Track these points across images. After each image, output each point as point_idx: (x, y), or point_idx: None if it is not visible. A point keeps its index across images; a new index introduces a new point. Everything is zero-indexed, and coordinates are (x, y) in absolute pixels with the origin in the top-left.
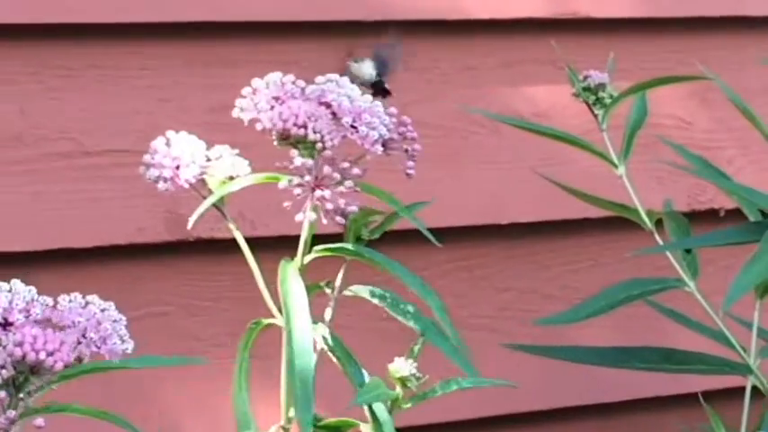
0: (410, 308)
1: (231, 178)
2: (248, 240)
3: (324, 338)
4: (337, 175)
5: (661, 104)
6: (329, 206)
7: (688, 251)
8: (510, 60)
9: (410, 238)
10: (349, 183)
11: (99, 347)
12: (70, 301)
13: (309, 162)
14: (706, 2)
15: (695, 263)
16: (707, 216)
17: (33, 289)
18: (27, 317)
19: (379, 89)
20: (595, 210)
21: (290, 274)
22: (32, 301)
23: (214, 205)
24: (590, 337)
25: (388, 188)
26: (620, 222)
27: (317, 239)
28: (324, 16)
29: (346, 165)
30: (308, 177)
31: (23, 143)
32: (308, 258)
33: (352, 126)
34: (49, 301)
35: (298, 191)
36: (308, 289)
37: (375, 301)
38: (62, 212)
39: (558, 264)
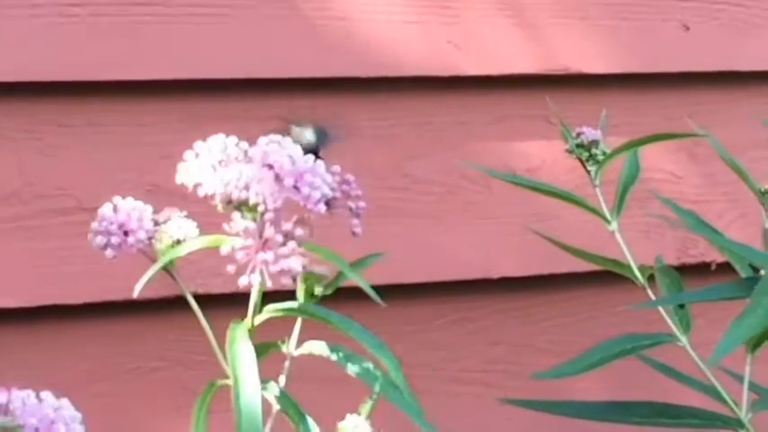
0: (361, 364)
1: (179, 242)
2: (219, 296)
3: (276, 398)
4: (280, 238)
5: (651, 158)
6: (274, 269)
7: (681, 306)
8: (502, 116)
9: (397, 292)
10: (292, 244)
11: None
12: (23, 399)
13: (252, 225)
14: (697, 57)
15: (687, 317)
16: (697, 269)
17: None
18: None
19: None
20: (586, 264)
21: (239, 337)
22: None
23: (164, 269)
24: (582, 391)
25: (382, 243)
26: (610, 276)
27: (272, 295)
28: (312, 73)
29: (289, 226)
30: (250, 241)
31: (21, 200)
32: (258, 320)
33: (295, 187)
34: (2, 398)
35: (240, 254)
36: (264, 348)
37: (328, 356)
38: (59, 269)
39: (550, 318)
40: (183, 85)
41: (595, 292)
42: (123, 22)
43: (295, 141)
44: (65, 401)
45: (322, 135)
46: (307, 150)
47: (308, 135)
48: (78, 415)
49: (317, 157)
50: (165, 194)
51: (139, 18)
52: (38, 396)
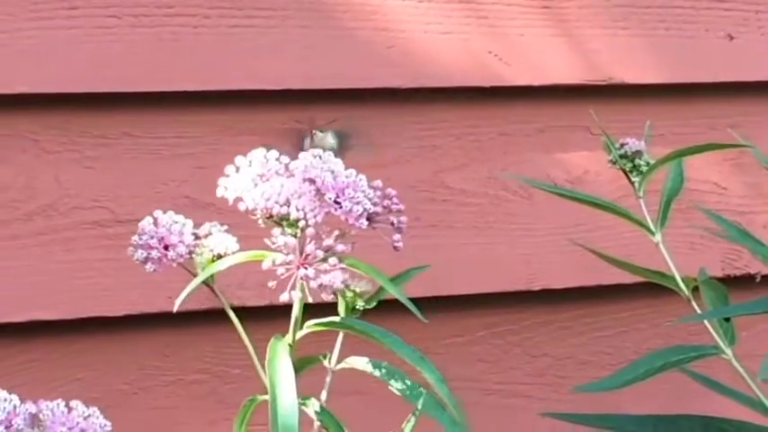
0: (404, 381)
1: (219, 256)
2: (258, 309)
3: (316, 413)
4: (321, 253)
5: (695, 169)
6: (314, 284)
7: (726, 319)
8: (544, 126)
9: (439, 305)
10: (333, 259)
11: None
12: (52, 409)
13: (292, 241)
14: (741, 67)
15: (732, 330)
16: (742, 281)
17: (15, 397)
18: (8, 428)
19: None
20: (630, 275)
21: (279, 352)
22: (14, 411)
23: (204, 283)
24: (627, 403)
25: (422, 255)
26: (653, 288)
27: (314, 307)
28: (351, 84)
29: (330, 242)
30: (291, 256)
31: (58, 212)
32: (299, 334)
33: (336, 202)
34: (32, 408)
35: (281, 270)
36: (305, 362)
37: (370, 372)
38: (96, 281)
39: (593, 330)
40: (219, 96)
41: (640, 304)
42: (160, 34)
43: (317, 146)
44: (94, 410)
45: (343, 137)
46: None
47: (330, 139)
48: (108, 424)
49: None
50: (200, 207)
51: (175, 29)
52: (67, 405)
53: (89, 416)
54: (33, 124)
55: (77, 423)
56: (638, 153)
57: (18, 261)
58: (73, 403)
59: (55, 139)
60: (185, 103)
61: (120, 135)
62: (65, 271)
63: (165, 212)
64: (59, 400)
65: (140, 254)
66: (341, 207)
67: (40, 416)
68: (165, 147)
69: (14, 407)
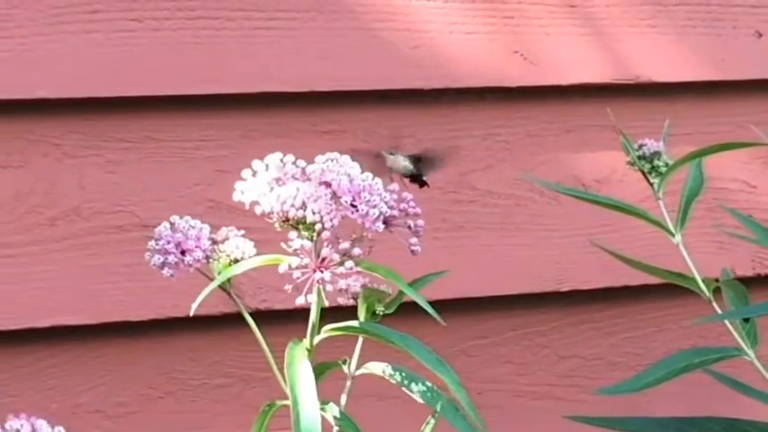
0: (422, 385)
1: (236, 260)
2: (281, 312)
3: (335, 418)
4: (337, 256)
5: (725, 168)
6: (330, 288)
7: (746, 320)
8: (571, 126)
9: (466, 306)
10: (349, 263)
11: None
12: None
13: (308, 244)
14: None
15: (754, 330)
16: None
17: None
18: None
19: (418, 182)
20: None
21: (297, 357)
22: None
23: (221, 287)
24: (656, 405)
25: (449, 256)
26: (681, 288)
27: (334, 310)
28: (375, 85)
29: (347, 245)
30: (307, 260)
31: (81, 216)
32: (317, 339)
33: (352, 205)
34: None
35: (297, 274)
36: (324, 367)
37: (389, 378)
38: (120, 285)
39: (621, 330)
40: (242, 98)
41: (669, 305)
42: (181, 37)
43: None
44: (60, 429)
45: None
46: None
47: (406, 162)
48: None
49: (423, 182)
50: (226, 210)
51: (197, 32)
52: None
53: None
54: (55, 129)
55: None
56: (657, 154)
57: (42, 266)
58: (38, 423)
59: (77, 144)
60: (208, 106)
61: (143, 139)
62: (89, 276)
63: (181, 217)
64: (23, 420)
65: (157, 259)
66: (357, 210)
67: None
68: (188, 150)
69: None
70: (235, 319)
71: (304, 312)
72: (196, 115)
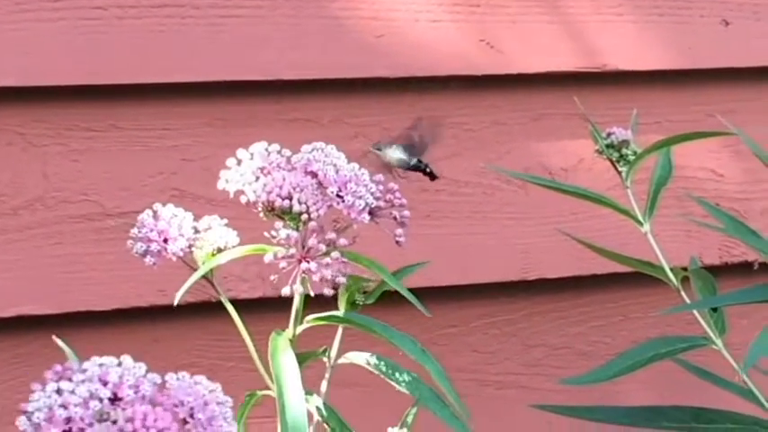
0: (405, 375)
1: (220, 250)
2: (243, 302)
3: (318, 409)
4: (323, 247)
5: (693, 157)
6: (315, 278)
7: (714, 309)
8: (538, 115)
9: (434, 295)
10: (335, 253)
11: (205, 428)
12: (178, 379)
13: (294, 234)
14: (738, 53)
15: (722, 320)
16: (740, 269)
17: (143, 365)
18: (136, 393)
19: (425, 173)
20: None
21: (281, 347)
22: (142, 378)
23: (204, 277)
24: (624, 393)
25: (417, 245)
26: (649, 277)
27: (314, 300)
28: (341, 74)
29: (332, 235)
30: (293, 250)
31: (45, 205)
32: (300, 329)
33: (338, 195)
34: (158, 378)
35: (283, 264)
36: (304, 357)
37: (370, 369)
38: (84, 274)
39: (589, 319)
40: (207, 87)
41: (636, 294)
42: (146, 25)
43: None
44: (217, 385)
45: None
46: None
47: (399, 152)
48: (229, 399)
49: (431, 174)
50: (191, 199)
51: (162, 20)
52: (192, 377)
53: (212, 390)
54: (19, 118)
55: (202, 395)
56: (625, 142)
57: (5, 256)
58: (197, 377)
59: (41, 133)
60: (173, 95)
61: (108, 128)
62: (53, 265)
63: (164, 205)
64: (184, 373)
65: (140, 247)
66: (343, 201)
67: (166, 385)
68: (152, 139)
69: (142, 374)
70: (201, 309)
71: (269, 302)
72: (161, 103)
